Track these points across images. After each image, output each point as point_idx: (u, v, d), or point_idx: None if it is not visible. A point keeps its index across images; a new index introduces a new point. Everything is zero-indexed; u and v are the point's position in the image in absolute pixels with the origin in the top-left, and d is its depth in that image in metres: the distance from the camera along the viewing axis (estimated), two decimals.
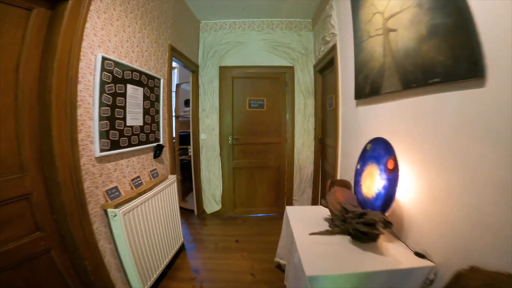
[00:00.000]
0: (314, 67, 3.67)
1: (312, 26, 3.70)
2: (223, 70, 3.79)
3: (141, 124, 2.13)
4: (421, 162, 1.37)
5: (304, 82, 3.73)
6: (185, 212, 3.97)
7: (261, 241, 3.10)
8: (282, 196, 3.88)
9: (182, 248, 2.83)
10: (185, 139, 4.43)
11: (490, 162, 1.00)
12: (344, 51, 2.50)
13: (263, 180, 3.87)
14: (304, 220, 1.82)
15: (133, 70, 2.00)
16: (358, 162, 1.80)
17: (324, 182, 3.53)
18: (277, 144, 3.82)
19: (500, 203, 0.96)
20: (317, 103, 3.66)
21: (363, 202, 1.63)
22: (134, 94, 2.03)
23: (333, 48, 2.74)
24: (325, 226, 1.69)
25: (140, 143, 2.11)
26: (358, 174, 1.76)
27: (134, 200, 1.85)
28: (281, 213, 3.83)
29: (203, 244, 3.06)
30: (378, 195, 1.48)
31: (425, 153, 1.35)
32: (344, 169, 2.53)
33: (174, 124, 5.65)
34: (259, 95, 3.81)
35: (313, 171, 3.76)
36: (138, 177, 2.05)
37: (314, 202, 3.74)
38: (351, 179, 2.24)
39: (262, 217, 3.82)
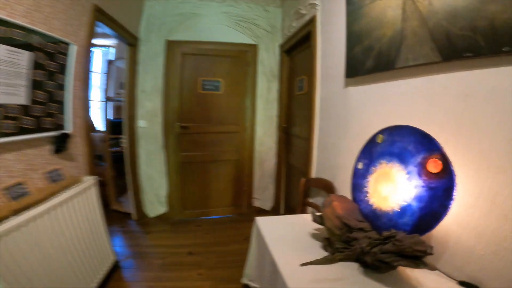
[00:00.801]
0: (281, 46, 3.11)
1: (281, 2, 3.11)
2: (171, 45, 2.99)
3: (25, 102, 1.31)
4: (478, 163, 0.89)
5: (269, 63, 3.16)
6: (120, 217, 3.13)
7: (221, 252, 2.47)
8: (242, 194, 3.28)
9: (115, 268, 2.06)
10: (119, 127, 3.54)
11: None
12: (327, 24, 1.99)
13: (218, 176, 3.21)
14: (285, 238, 1.25)
15: (11, 25, 1.21)
16: (359, 160, 1.27)
17: (290, 178, 3.04)
18: (235, 134, 3.18)
19: None
20: (282, 87, 3.12)
21: (373, 216, 1.12)
22: (11, 59, 1.21)
23: (311, 21, 2.22)
24: (316, 248, 1.15)
25: (22, 131, 1.29)
26: (360, 176, 1.24)
27: (9, 220, 1.07)
28: (240, 214, 3.25)
29: (146, 259, 2.34)
30: (405, 209, 0.97)
31: (485, 151, 0.87)
32: (323, 165, 2.03)
33: (106, 108, 4.60)
34: (216, 76, 3.12)
35: (276, 165, 3.23)
36: (20, 183, 1.24)
37: (277, 200, 3.24)
38: (342, 180, 1.73)
39: (219, 220, 3.19)
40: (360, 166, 1.26)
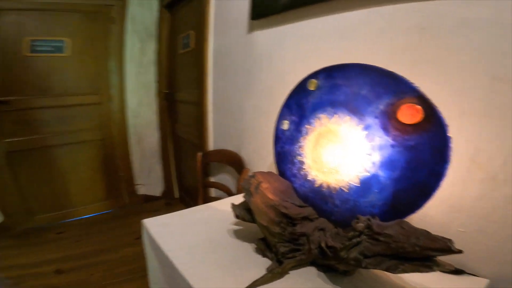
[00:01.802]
0: (161, 0, 2.39)
1: None
2: None
3: None
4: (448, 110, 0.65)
5: (143, 20, 2.41)
6: None
7: (108, 263, 1.78)
8: (118, 182, 2.50)
9: None
10: None
11: None
12: None
13: (77, 163, 2.30)
14: (197, 248, 0.77)
15: None
16: (282, 117, 0.90)
17: (181, 154, 2.49)
18: (95, 106, 2.30)
19: None
20: (162, 47, 2.44)
21: (317, 197, 0.78)
22: None
23: None
24: (248, 254, 0.75)
25: None
26: (287, 140, 0.87)
27: None
28: (123, 207, 2.50)
29: None
30: (368, 182, 0.67)
31: (458, 92, 0.63)
32: (223, 134, 1.60)
33: None
34: (56, 34, 2.12)
35: (161, 140, 2.59)
36: None
37: (168, 183, 2.65)
38: (253, 149, 1.34)
39: (93, 219, 2.35)
40: (285, 126, 0.88)
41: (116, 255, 1.88)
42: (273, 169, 1.19)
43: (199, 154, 1.59)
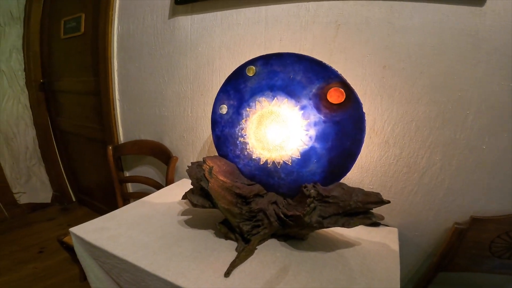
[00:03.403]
0: None
1: None
2: None
3: None
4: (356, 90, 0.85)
5: (4, 2, 1.83)
6: None
7: (10, 284, 1.42)
8: None
9: None
10: None
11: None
12: None
13: None
14: (155, 247, 0.73)
15: None
16: (218, 101, 0.93)
17: (70, 150, 2.11)
18: None
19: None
20: (30, 32, 1.93)
21: (263, 174, 0.88)
22: None
23: None
24: (210, 239, 0.78)
25: None
26: (227, 123, 0.91)
27: None
28: (2, 222, 1.94)
29: None
30: (308, 154, 0.80)
31: (360, 77, 0.83)
32: (134, 124, 1.47)
33: None
34: None
35: (38, 139, 2.09)
36: None
37: (58, 186, 2.21)
38: (180, 137, 1.29)
39: None
40: (223, 110, 0.92)
41: (16, 274, 1.49)
42: (210, 153, 1.22)
43: (109, 148, 1.41)
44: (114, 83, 1.44)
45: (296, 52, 0.78)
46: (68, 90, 1.91)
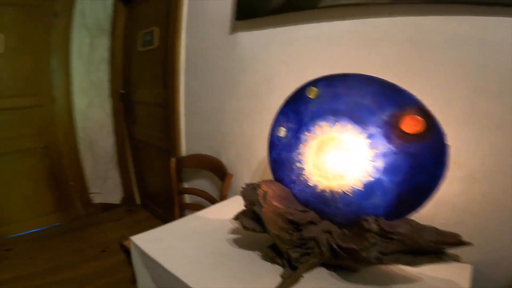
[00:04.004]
0: None
1: None
2: None
3: None
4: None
5: (94, 14, 2.13)
6: None
7: (73, 280, 1.59)
8: (69, 192, 2.22)
9: None
10: None
11: None
12: None
13: (18, 174, 1.99)
14: (202, 263, 0.74)
15: None
16: (277, 123, 0.90)
17: (140, 158, 2.32)
18: (34, 109, 1.99)
19: None
20: (116, 44, 2.19)
21: (319, 202, 0.82)
22: None
23: None
24: (256, 262, 0.75)
25: None
26: (285, 147, 0.88)
27: None
28: (77, 219, 2.25)
29: None
30: (372, 186, 0.72)
31: (447, 103, 0.72)
32: (198, 138, 1.54)
33: None
34: None
35: (116, 145, 2.36)
36: None
37: (127, 189, 2.45)
38: (237, 154, 1.31)
39: (42, 233, 2.06)
40: (281, 133, 0.89)
41: (81, 271, 1.68)
42: (265, 174, 1.20)
43: (173, 159, 1.51)
44: (180, 97, 1.55)
45: (364, 73, 0.72)
46: (142, 101, 2.12)
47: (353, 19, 0.87)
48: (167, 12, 1.67)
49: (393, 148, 0.68)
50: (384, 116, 0.69)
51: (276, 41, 1.10)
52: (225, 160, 1.38)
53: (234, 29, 1.22)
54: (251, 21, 1.16)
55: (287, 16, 1.04)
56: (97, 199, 2.35)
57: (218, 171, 1.40)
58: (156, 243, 0.87)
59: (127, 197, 2.47)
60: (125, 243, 1.33)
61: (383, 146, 0.70)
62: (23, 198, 2.02)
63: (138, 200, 2.51)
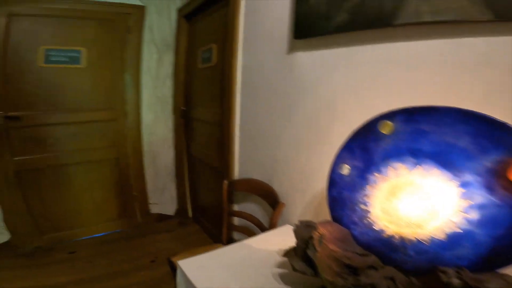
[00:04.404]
0: (179, 10, 2.27)
1: None
2: None
3: None
4: None
5: (161, 30, 2.29)
6: None
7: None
8: (132, 201, 2.39)
9: None
10: None
11: None
12: None
13: (91, 182, 2.21)
14: None
15: None
16: (340, 159, 0.80)
17: (194, 173, 2.39)
18: (109, 123, 2.21)
19: None
20: (179, 60, 2.31)
21: (384, 246, 0.68)
22: None
23: None
24: None
25: None
26: (347, 186, 0.77)
27: None
28: (135, 227, 2.40)
29: None
30: (459, 237, 0.56)
31: None
32: (249, 161, 1.51)
33: None
34: (72, 44, 2.01)
35: (175, 159, 2.49)
36: None
37: (182, 202, 2.54)
38: (291, 185, 1.23)
39: (104, 238, 2.24)
40: (344, 170, 0.79)
41: (133, 279, 1.75)
42: (320, 208, 1.09)
43: (225, 182, 1.49)
44: (236, 118, 1.53)
45: (458, 107, 0.58)
46: (200, 119, 2.17)
47: (441, 38, 0.73)
48: (224, 29, 1.69)
49: (496, 200, 0.53)
50: (487, 162, 0.54)
51: (340, 63, 1.00)
52: (277, 187, 1.30)
53: (292, 49, 1.15)
54: (312, 40, 1.07)
55: (354, 35, 0.94)
56: (154, 209, 2.48)
57: (269, 198, 1.34)
58: (201, 270, 0.86)
59: (181, 210, 2.56)
60: (173, 259, 1.35)
61: (482, 197, 0.55)
62: (93, 204, 2.24)
63: (190, 213, 2.58)
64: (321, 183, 1.10)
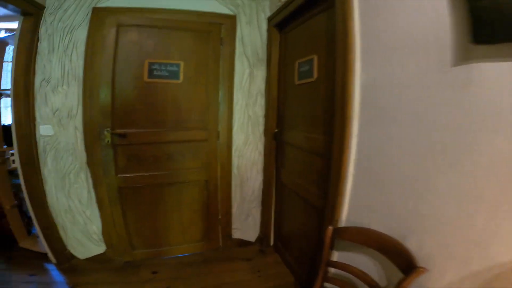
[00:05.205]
0: (270, 20, 2.09)
1: None
2: (100, 13, 1.84)
3: None
4: None
5: (252, 41, 2.11)
6: (33, 259, 2.09)
7: None
8: (216, 225, 2.31)
9: None
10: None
11: None
12: None
13: (180, 203, 2.19)
14: None
15: None
16: None
17: (281, 201, 2.16)
18: (202, 143, 2.16)
19: None
20: (271, 74, 2.10)
21: None
22: None
23: None
24: None
25: None
26: None
27: None
28: (215, 250, 2.31)
29: None
30: None
31: None
32: (366, 207, 1.18)
33: None
34: (172, 57, 1.99)
35: (263, 184, 2.31)
36: None
37: (264, 230, 2.34)
38: (450, 254, 0.82)
39: (185, 260, 2.19)
40: None
41: None
42: (496, 282, 0.71)
43: (330, 229, 1.20)
44: (351, 149, 1.23)
45: None
46: (294, 144, 1.88)
47: None
48: (329, 36, 1.42)
49: None
50: None
51: None
52: (414, 247, 0.94)
53: (466, 58, 0.78)
54: (510, 45, 0.68)
55: None
56: (236, 234, 2.35)
57: (396, 258, 0.99)
58: None
59: (262, 237, 2.36)
60: None
61: None
62: (180, 225, 2.21)
63: (271, 241, 2.35)
64: (503, 252, 0.71)
